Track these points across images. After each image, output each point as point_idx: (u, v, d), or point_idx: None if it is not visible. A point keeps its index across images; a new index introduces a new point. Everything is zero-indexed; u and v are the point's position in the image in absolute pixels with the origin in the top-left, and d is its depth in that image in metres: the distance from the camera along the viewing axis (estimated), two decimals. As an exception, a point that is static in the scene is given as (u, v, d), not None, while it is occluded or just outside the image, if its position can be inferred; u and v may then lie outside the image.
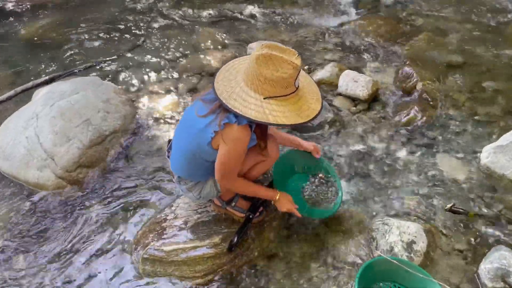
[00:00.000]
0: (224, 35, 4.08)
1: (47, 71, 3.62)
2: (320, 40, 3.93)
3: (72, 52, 3.89)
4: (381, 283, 1.94)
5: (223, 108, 1.69)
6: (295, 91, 1.67)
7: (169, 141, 2.15)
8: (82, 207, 2.47)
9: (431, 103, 3.08)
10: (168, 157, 2.10)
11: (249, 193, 2.06)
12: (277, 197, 2.03)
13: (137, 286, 2.06)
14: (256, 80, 1.62)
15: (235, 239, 2.06)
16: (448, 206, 2.30)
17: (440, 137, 2.82)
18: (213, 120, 1.72)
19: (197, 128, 1.78)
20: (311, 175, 2.38)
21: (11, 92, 3.31)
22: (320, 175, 2.34)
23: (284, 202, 2.04)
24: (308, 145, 2.30)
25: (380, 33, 3.97)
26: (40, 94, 3.03)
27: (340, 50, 3.78)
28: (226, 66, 1.81)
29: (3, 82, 3.52)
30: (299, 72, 1.64)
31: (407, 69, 3.33)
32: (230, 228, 2.17)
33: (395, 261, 1.85)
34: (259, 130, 1.85)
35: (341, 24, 4.19)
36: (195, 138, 1.81)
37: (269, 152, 1.99)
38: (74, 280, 2.11)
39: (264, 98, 1.63)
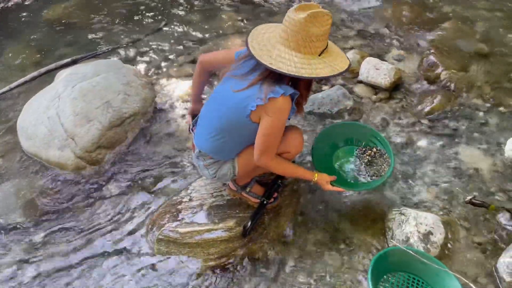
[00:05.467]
0: (245, 20, 4.04)
1: (69, 53, 3.67)
2: (342, 26, 3.85)
3: (95, 34, 3.92)
4: (395, 273, 1.92)
5: (266, 81, 1.69)
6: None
7: (193, 116, 2.16)
8: (100, 187, 2.52)
9: (455, 93, 2.99)
10: (192, 130, 2.11)
11: (288, 173, 2.04)
12: (315, 179, 2.00)
13: (151, 265, 2.10)
14: (309, 42, 1.63)
15: (249, 224, 2.07)
16: (468, 198, 2.24)
17: (463, 128, 2.75)
18: (255, 93, 1.70)
19: (234, 102, 1.77)
20: (358, 147, 2.29)
21: (35, 73, 3.37)
22: (371, 150, 2.25)
23: (322, 183, 2.01)
24: None
25: (404, 20, 3.86)
26: (62, 75, 3.07)
27: (362, 37, 3.69)
28: (254, 38, 1.75)
29: (28, 63, 3.59)
30: None
31: (431, 57, 3.23)
32: (244, 213, 2.18)
33: (410, 252, 1.83)
34: (300, 97, 1.85)
35: (364, 10, 4.09)
36: (232, 112, 1.79)
37: (293, 144, 1.98)
38: (90, 258, 2.16)
39: (319, 55, 1.67)
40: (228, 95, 1.79)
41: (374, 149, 2.24)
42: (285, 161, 1.97)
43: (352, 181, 2.17)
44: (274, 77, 1.69)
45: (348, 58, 1.76)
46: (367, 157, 2.23)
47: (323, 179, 2.01)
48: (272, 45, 1.69)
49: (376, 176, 2.15)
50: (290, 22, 1.62)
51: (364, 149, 2.28)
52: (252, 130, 1.79)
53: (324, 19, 1.61)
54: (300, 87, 1.79)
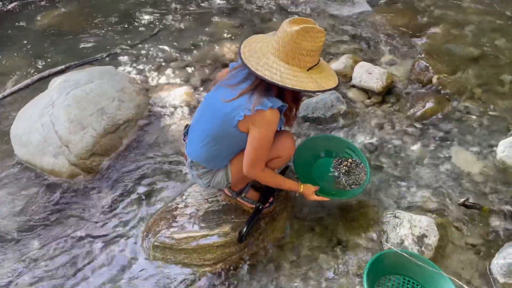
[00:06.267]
0: (238, 26, 4.07)
1: (63, 60, 3.66)
2: (335, 31, 3.89)
3: (88, 41, 3.93)
4: (390, 276, 1.94)
5: (256, 92, 1.70)
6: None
7: (186, 126, 2.16)
8: (95, 194, 2.51)
9: (447, 96, 3.03)
10: (184, 140, 2.12)
11: (275, 184, 2.07)
12: (301, 190, 2.06)
13: (147, 272, 2.09)
14: (298, 55, 1.65)
15: (244, 230, 2.08)
16: (462, 200, 2.27)
17: (455, 131, 2.78)
18: (244, 103, 1.71)
19: (223, 112, 1.78)
20: (335, 158, 2.37)
21: (28, 81, 3.36)
22: (347, 160, 2.33)
23: (308, 194, 2.07)
24: None
25: (396, 25, 3.91)
26: (56, 82, 3.07)
27: (355, 42, 3.73)
28: (247, 45, 1.77)
29: (21, 70, 3.58)
30: None
31: (423, 61, 3.28)
32: (240, 218, 2.19)
33: (405, 254, 1.84)
34: (289, 110, 1.88)
35: (357, 15, 4.14)
36: (222, 121, 1.80)
37: (284, 147, 2.00)
38: (86, 265, 2.15)
39: (307, 70, 1.68)
40: (219, 105, 1.80)
41: (350, 160, 2.33)
42: (274, 173, 2.02)
43: (334, 191, 2.22)
44: (264, 87, 1.70)
45: (338, 79, 1.76)
46: (344, 167, 2.31)
47: (308, 190, 2.07)
48: (263, 53, 1.71)
49: (355, 184, 2.22)
50: (283, 33, 1.64)
51: (340, 160, 2.36)
52: (241, 139, 1.80)
53: (317, 35, 1.62)
54: (287, 98, 1.80)
